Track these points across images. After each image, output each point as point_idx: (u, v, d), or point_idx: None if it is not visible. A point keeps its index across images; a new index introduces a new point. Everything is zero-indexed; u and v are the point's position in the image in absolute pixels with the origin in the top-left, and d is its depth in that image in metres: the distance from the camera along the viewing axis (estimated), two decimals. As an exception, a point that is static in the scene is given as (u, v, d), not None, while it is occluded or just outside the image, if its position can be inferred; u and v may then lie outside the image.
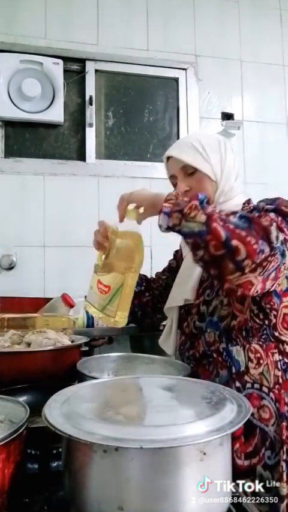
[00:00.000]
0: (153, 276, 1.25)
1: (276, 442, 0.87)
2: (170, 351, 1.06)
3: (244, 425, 0.84)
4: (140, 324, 1.24)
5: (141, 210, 0.89)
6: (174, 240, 1.19)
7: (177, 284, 1.07)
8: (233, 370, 0.91)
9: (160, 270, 1.25)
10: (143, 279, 1.20)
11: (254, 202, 1.00)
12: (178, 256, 1.20)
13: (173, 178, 1.04)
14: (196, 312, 0.98)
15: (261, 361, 0.90)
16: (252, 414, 0.87)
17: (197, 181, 0.98)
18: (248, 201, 1.02)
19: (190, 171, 0.98)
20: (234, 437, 0.85)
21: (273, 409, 0.88)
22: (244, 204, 1.01)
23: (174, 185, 1.03)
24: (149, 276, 1.25)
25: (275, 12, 2.66)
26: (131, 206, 0.90)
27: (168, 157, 1.03)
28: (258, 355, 0.91)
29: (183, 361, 1.00)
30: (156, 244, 2.27)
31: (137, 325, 1.22)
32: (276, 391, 0.89)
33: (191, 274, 1.01)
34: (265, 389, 0.89)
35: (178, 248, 1.22)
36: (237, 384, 0.89)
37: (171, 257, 1.25)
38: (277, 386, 0.89)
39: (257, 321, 0.91)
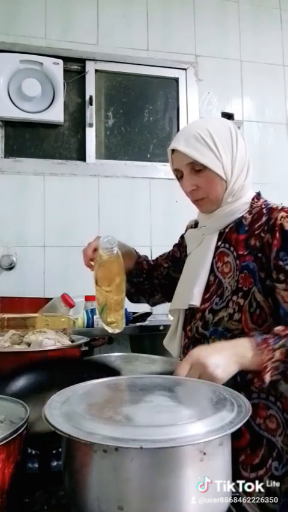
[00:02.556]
0: (155, 259, 1.19)
1: (283, 453, 0.84)
2: (175, 353, 1.02)
3: (250, 436, 0.83)
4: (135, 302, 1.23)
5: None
6: (174, 241, 1.19)
7: (183, 285, 1.01)
8: (238, 379, 0.84)
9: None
10: (144, 268, 1.15)
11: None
12: (182, 247, 1.13)
13: (177, 171, 0.96)
14: (200, 317, 0.93)
15: None
16: (259, 425, 0.85)
17: (206, 181, 0.91)
18: (258, 196, 0.96)
19: (198, 168, 0.90)
20: (240, 449, 0.83)
21: (280, 418, 0.85)
22: (253, 200, 0.95)
23: (179, 178, 0.97)
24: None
25: (275, 12, 2.67)
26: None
27: (173, 149, 0.94)
28: None
29: None
30: (156, 245, 2.28)
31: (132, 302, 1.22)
32: (284, 400, 0.86)
33: (196, 276, 0.95)
34: (272, 399, 0.86)
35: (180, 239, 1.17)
36: (243, 394, 0.86)
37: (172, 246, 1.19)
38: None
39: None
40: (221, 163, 0.89)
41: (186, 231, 1.15)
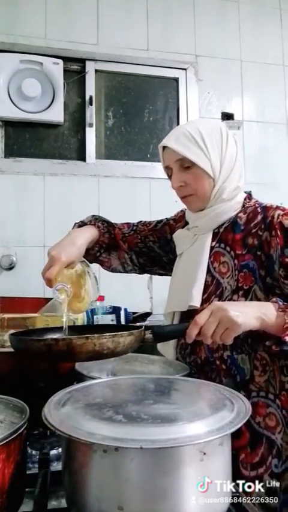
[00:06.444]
0: (135, 225, 1.14)
1: (283, 450, 0.84)
2: (170, 356, 1.01)
3: (250, 435, 0.84)
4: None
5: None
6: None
7: (178, 286, 0.99)
8: (238, 379, 0.87)
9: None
10: (103, 247, 1.11)
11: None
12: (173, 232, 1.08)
13: (168, 169, 0.97)
14: None
15: (267, 368, 0.86)
16: (258, 423, 0.85)
17: (194, 178, 0.92)
18: (249, 196, 0.97)
19: (186, 165, 0.91)
20: (240, 447, 0.83)
21: (279, 415, 0.85)
22: (245, 199, 0.96)
23: (169, 176, 0.97)
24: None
25: (275, 12, 2.67)
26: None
27: (164, 147, 0.95)
28: (264, 361, 0.86)
29: None
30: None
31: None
32: (283, 397, 0.86)
33: (193, 277, 0.93)
34: (271, 396, 0.86)
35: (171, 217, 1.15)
36: (242, 393, 0.86)
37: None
38: (283, 392, 0.86)
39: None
40: (209, 161, 0.90)
41: (177, 216, 1.14)
